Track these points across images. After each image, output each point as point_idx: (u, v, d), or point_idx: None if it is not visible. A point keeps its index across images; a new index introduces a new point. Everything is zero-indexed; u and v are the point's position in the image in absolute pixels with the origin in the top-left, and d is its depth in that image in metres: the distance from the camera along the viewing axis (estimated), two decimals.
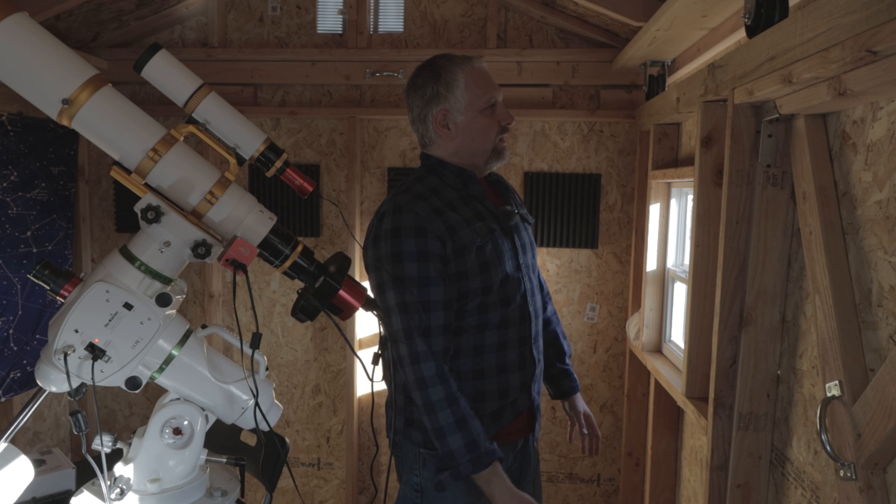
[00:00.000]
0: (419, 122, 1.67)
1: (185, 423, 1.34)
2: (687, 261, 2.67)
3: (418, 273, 1.50)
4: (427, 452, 1.61)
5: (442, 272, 1.52)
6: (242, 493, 1.48)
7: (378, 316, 1.70)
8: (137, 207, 1.21)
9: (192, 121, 1.34)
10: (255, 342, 1.30)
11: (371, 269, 1.59)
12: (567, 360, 1.95)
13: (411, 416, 1.62)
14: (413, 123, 1.70)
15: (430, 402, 1.49)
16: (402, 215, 1.53)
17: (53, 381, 1.23)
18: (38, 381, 1.24)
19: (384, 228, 1.55)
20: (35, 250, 2.92)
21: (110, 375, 1.23)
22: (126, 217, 3.40)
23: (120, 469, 1.33)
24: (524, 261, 1.67)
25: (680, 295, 2.77)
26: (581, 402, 1.97)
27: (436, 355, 1.50)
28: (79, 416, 1.19)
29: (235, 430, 1.71)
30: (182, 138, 1.28)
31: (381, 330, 1.71)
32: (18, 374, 2.88)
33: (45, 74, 1.16)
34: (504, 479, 1.51)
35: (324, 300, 1.30)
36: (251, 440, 1.79)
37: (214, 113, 1.35)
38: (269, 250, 1.30)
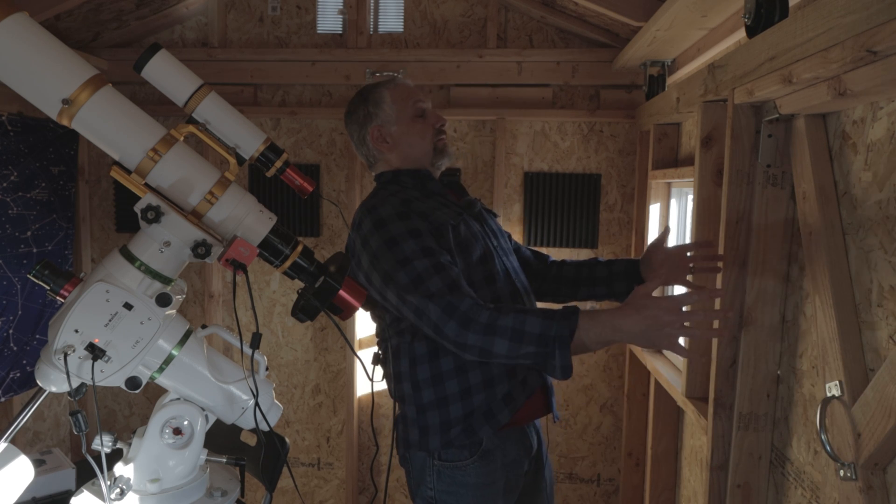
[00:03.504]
0: (360, 144, 1.76)
1: (185, 423, 1.34)
2: None
3: (419, 245, 1.50)
4: (441, 464, 1.58)
5: (438, 243, 1.53)
6: (242, 493, 1.48)
7: (375, 317, 1.70)
8: (137, 207, 1.21)
9: (192, 121, 1.34)
10: (255, 342, 1.30)
11: (370, 273, 1.55)
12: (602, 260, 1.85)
13: (426, 424, 1.58)
14: (357, 149, 1.79)
15: (484, 325, 1.38)
16: (378, 209, 1.58)
17: (53, 381, 1.22)
18: (38, 381, 1.24)
19: (366, 230, 1.56)
20: (35, 250, 2.92)
21: (110, 375, 1.23)
22: (126, 217, 3.40)
23: (120, 469, 1.33)
24: (497, 244, 1.70)
25: None
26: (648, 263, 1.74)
27: (466, 294, 1.44)
28: (79, 416, 1.19)
29: (235, 430, 1.71)
30: (182, 138, 1.28)
31: (379, 331, 1.71)
32: (18, 374, 2.88)
33: (45, 74, 1.16)
34: (604, 311, 1.36)
35: (324, 300, 1.30)
36: (251, 440, 1.79)
37: (214, 113, 1.35)
38: (269, 250, 1.30)
